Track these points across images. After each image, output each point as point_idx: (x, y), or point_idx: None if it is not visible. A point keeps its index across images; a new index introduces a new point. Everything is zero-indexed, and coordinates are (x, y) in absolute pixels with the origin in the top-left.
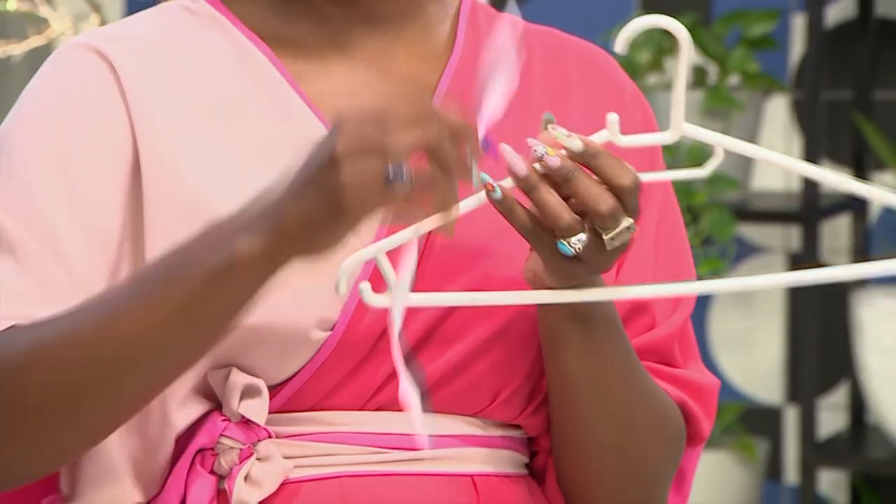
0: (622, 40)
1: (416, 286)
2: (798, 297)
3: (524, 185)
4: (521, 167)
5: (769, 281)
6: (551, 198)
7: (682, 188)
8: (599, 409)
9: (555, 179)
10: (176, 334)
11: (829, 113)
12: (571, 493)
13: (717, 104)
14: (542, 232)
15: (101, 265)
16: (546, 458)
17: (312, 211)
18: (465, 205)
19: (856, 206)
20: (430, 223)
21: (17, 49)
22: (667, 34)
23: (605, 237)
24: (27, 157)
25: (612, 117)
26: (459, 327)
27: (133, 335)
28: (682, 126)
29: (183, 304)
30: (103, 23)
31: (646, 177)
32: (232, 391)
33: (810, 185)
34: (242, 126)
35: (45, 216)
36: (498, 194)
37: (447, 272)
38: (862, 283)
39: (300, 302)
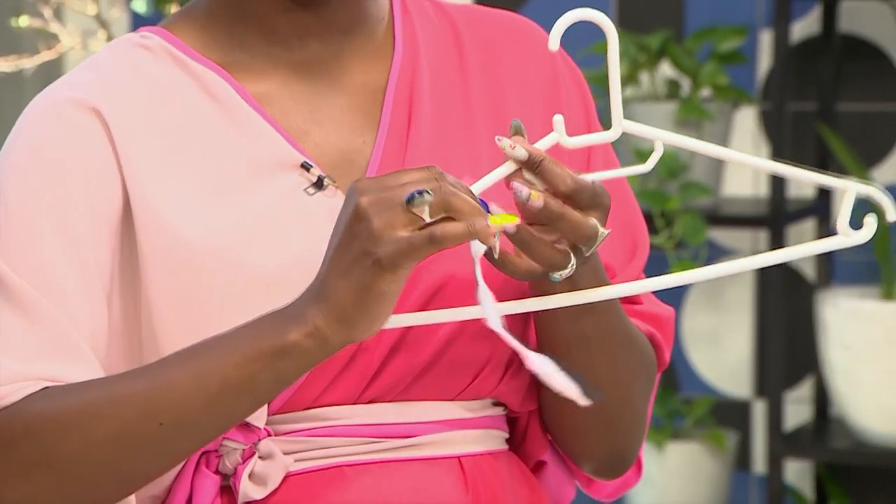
0: (554, 36)
1: None
2: (765, 297)
3: (516, 240)
4: (511, 227)
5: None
6: (543, 248)
7: (657, 195)
8: (594, 361)
9: (540, 220)
10: (217, 403)
11: (794, 123)
12: (565, 436)
13: (689, 115)
14: (535, 271)
15: (101, 315)
16: (526, 419)
17: (359, 279)
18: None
19: (820, 210)
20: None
21: (28, 63)
22: (643, 48)
23: (586, 253)
24: (26, 210)
25: (558, 118)
26: (406, 286)
27: (176, 400)
28: (622, 123)
29: (229, 379)
30: (110, 39)
31: (591, 176)
32: None
33: (777, 192)
34: (215, 155)
35: (49, 269)
36: (495, 255)
37: (413, 272)
38: (826, 285)
39: None
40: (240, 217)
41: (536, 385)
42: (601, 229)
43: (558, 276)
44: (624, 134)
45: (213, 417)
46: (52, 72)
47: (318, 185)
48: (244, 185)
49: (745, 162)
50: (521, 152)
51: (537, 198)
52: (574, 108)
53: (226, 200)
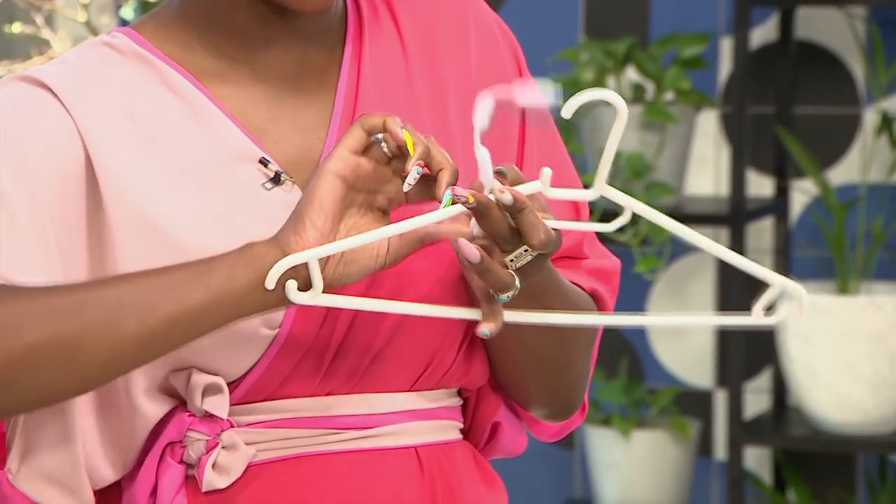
0: (570, 108)
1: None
2: (726, 292)
3: (478, 269)
4: (475, 255)
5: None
6: (498, 270)
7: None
8: (537, 340)
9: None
10: (168, 307)
11: (753, 126)
12: (512, 389)
13: (653, 118)
14: (491, 266)
15: (51, 254)
16: (476, 397)
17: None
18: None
19: (778, 210)
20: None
21: (21, 68)
22: (609, 55)
23: (505, 259)
24: None
25: (546, 171)
26: (390, 292)
27: (145, 320)
28: (604, 187)
29: (183, 285)
30: None
31: (559, 224)
32: (194, 390)
33: (737, 192)
34: (176, 146)
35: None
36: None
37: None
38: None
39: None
40: (199, 207)
41: (486, 355)
42: (522, 246)
43: (506, 297)
44: (597, 131)
45: (174, 331)
46: None
47: (276, 180)
48: (203, 176)
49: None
50: (508, 197)
51: (472, 199)
52: (509, 69)
53: (186, 189)
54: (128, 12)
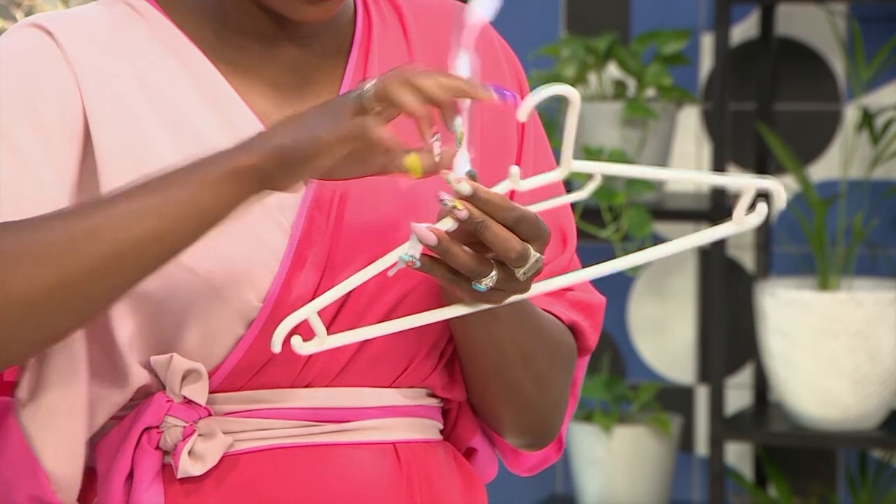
0: (524, 110)
1: (327, 263)
2: (708, 288)
3: (438, 250)
4: (431, 238)
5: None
6: (461, 254)
7: (604, 191)
8: (507, 361)
9: (466, 229)
10: (163, 233)
11: (734, 122)
12: (487, 415)
13: (635, 114)
14: (458, 277)
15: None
16: (456, 410)
17: (307, 125)
18: (390, 273)
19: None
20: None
21: None
22: (591, 51)
23: (518, 273)
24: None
25: (514, 170)
26: (367, 301)
27: (126, 232)
28: (570, 163)
29: (178, 204)
30: None
31: (537, 207)
32: (174, 375)
33: (718, 188)
34: (182, 120)
35: (20, 142)
36: (418, 265)
37: (353, 252)
38: (765, 276)
39: (225, 295)
40: None
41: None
42: (535, 254)
43: (481, 285)
44: (578, 128)
45: (154, 248)
46: None
47: None
48: (204, 147)
49: (675, 177)
50: (466, 187)
51: (461, 206)
52: (511, 89)
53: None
54: None
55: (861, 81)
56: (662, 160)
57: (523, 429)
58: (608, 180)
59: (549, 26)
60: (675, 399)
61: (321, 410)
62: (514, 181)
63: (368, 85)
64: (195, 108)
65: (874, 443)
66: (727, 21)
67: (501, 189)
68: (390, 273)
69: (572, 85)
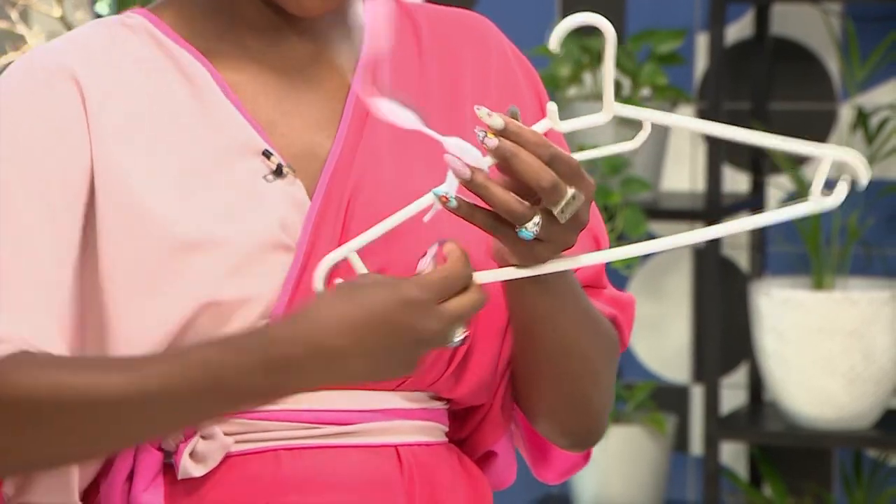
0: (555, 39)
1: (341, 242)
2: (702, 288)
3: (471, 186)
4: (465, 171)
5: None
6: (500, 193)
7: (599, 190)
8: (561, 337)
9: (497, 162)
10: (191, 422)
11: (729, 121)
12: (541, 415)
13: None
14: (501, 225)
15: (70, 278)
16: (484, 412)
17: (379, 372)
18: (410, 209)
19: (754, 204)
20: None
21: None
22: (586, 50)
23: (555, 212)
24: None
25: (552, 106)
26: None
27: (151, 415)
28: (613, 106)
29: (212, 412)
30: None
31: (580, 155)
32: None
33: (713, 187)
34: (183, 136)
35: (23, 229)
36: (453, 203)
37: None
38: (760, 275)
39: (242, 301)
40: (200, 198)
41: (496, 380)
42: (570, 190)
43: (525, 231)
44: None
45: (182, 430)
46: None
47: (278, 172)
48: (207, 168)
49: (727, 135)
50: (498, 121)
51: (492, 136)
52: (528, 100)
53: (188, 180)
54: (102, 7)
55: (856, 81)
56: (658, 159)
57: (576, 427)
58: (603, 178)
59: (544, 26)
60: (670, 398)
61: (323, 412)
62: (553, 120)
63: (457, 337)
64: (195, 121)
65: (869, 442)
66: (722, 20)
67: (539, 128)
68: (426, 218)
69: (567, 85)
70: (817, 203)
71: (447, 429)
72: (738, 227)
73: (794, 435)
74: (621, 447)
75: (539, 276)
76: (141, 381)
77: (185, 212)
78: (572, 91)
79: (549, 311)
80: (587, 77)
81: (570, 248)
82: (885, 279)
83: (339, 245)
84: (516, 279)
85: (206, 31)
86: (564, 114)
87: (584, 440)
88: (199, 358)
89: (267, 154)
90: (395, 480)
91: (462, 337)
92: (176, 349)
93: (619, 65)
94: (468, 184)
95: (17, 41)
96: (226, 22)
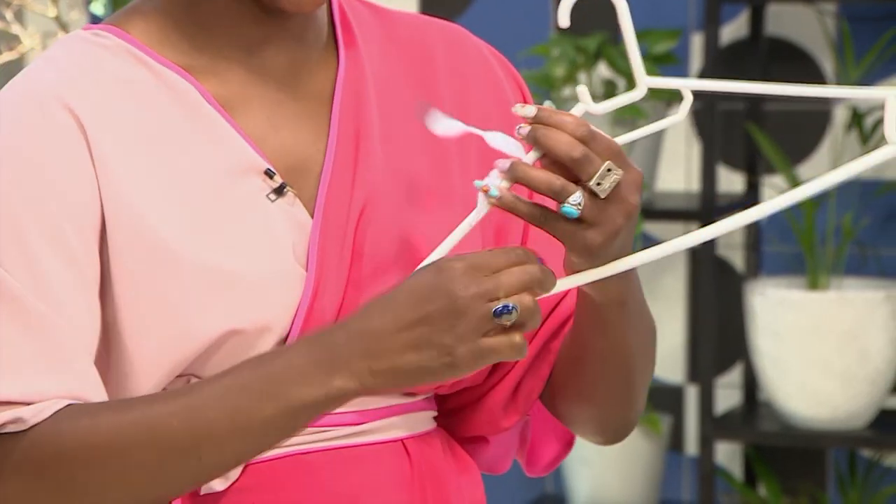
0: (564, 12)
1: (353, 262)
2: (697, 288)
3: (511, 173)
4: (504, 162)
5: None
6: (537, 172)
7: None
8: (629, 325)
9: (536, 153)
10: (255, 440)
11: (724, 122)
12: (583, 408)
13: (625, 113)
14: (547, 212)
15: (97, 318)
16: (477, 406)
17: (427, 363)
18: (471, 217)
19: (749, 205)
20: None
21: None
22: (580, 50)
23: (591, 186)
24: (12, 214)
25: (582, 88)
26: (366, 281)
27: (215, 437)
28: (645, 80)
29: (271, 421)
30: None
31: (623, 138)
32: None
33: (708, 187)
34: (182, 157)
35: (46, 276)
36: (495, 193)
37: (374, 279)
38: (754, 275)
39: (261, 330)
40: (210, 226)
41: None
42: (606, 163)
43: (568, 207)
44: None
45: (252, 453)
46: (13, 71)
47: (279, 191)
48: (211, 191)
49: (766, 91)
50: (531, 109)
51: (525, 125)
52: (512, 96)
53: (195, 206)
54: (98, 7)
55: (850, 80)
56: (652, 160)
57: (620, 423)
58: None
59: (539, 26)
60: (664, 398)
61: (336, 415)
62: (585, 101)
63: (507, 308)
64: (192, 141)
65: (864, 442)
66: (717, 20)
67: (577, 111)
68: (475, 218)
69: (562, 85)
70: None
71: (436, 413)
72: (818, 186)
73: (789, 435)
74: (616, 447)
75: (617, 290)
76: (190, 402)
77: (198, 243)
78: (567, 91)
79: (620, 295)
80: (582, 77)
81: (618, 232)
82: (879, 279)
83: (350, 265)
84: (597, 294)
85: (182, 44)
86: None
87: (621, 434)
88: (251, 371)
89: (269, 174)
90: (407, 474)
91: (513, 314)
92: (225, 371)
93: (615, 65)
94: (509, 173)
95: (12, 41)
96: (202, 33)
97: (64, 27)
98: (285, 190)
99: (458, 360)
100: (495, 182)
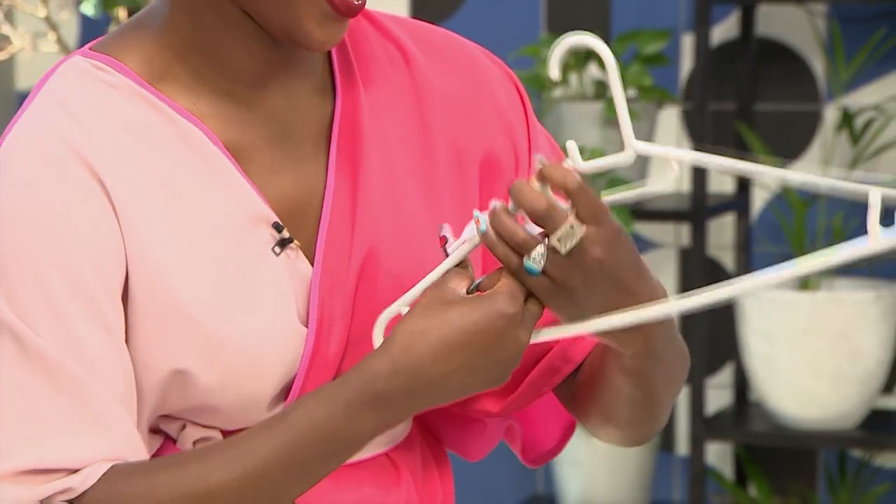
0: (554, 64)
1: (354, 313)
2: (688, 288)
3: (491, 216)
4: (496, 201)
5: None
6: (508, 221)
7: None
8: (652, 394)
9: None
10: (311, 481)
11: (714, 122)
12: (609, 425)
13: (615, 114)
14: (512, 257)
15: (129, 374)
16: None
17: (475, 386)
18: (464, 248)
19: (739, 205)
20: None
21: None
22: (572, 51)
23: (552, 241)
24: (42, 275)
25: (571, 145)
26: (369, 330)
27: (278, 492)
28: (634, 145)
29: (328, 464)
30: (60, 41)
31: (609, 198)
32: (186, 439)
33: (698, 187)
34: (197, 207)
35: (77, 334)
36: (483, 227)
37: (377, 299)
38: (745, 275)
39: (262, 387)
40: (221, 280)
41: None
42: (571, 220)
43: (530, 263)
44: (560, 127)
45: (304, 491)
46: (3, 71)
47: (282, 243)
48: (223, 241)
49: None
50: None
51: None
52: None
53: (208, 258)
54: (88, 8)
55: (841, 81)
56: (643, 160)
57: (648, 433)
58: (589, 180)
59: (530, 26)
60: None
61: None
62: (575, 160)
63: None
64: (205, 190)
65: (854, 442)
66: (707, 21)
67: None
68: (464, 248)
69: (552, 86)
70: (876, 242)
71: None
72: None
73: (780, 435)
74: (607, 447)
75: (648, 342)
76: (246, 457)
77: (214, 309)
78: (558, 92)
79: (640, 361)
80: (573, 78)
81: (576, 289)
82: (870, 280)
83: (352, 315)
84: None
85: (184, 79)
86: (551, 115)
87: (644, 441)
88: (303, 418)
89: (277, 227)
90: (394, 481)
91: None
92: (273, 417)
93: (603, 65)
94: (490, 215)
95: (2, 41)
96: (204, 65)
97: (54, 27)
98: (290, 243)
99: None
100: (487, 217)
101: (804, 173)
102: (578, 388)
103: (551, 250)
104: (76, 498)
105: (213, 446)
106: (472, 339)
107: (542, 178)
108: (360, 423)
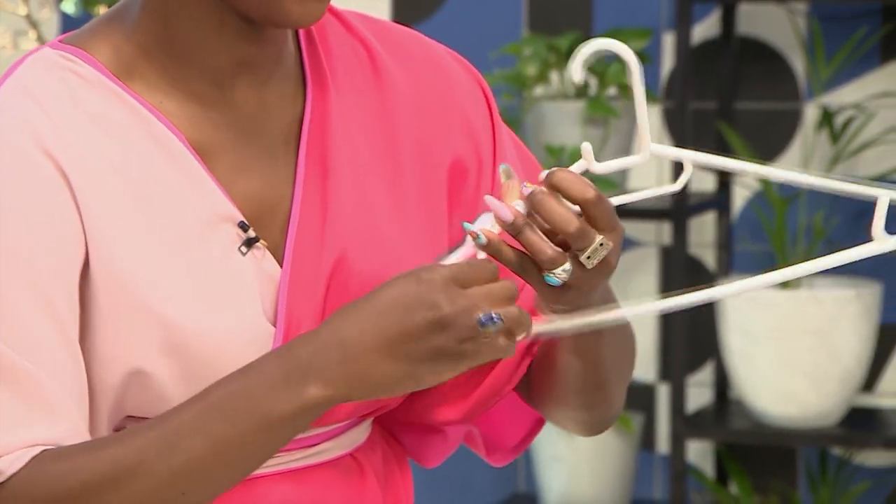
0: (577, 68)
1: (323, 316)
2: (669, 286)
3: (511, 229)
4: (507, 213)
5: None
6: (535, 237)
7: None
8: (620, 368)
9: (530, 210)
10: (237, 463)
11: (695, 121)
12: (563, 412)
13: (597, 112)
14: (529, 265)
15: (81, 363)
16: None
17: (410, 374)
18: (455, 254)
19: (720, 204)
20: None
21: None
22: (553, 49)
23: (581, 258)
24: None
25: (586, 147)
26: None
27: (195, 464)
28: (650, 146)
29: (250, 440)
30: (41, 39)
31: (616, 200)
32: None
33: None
34: (165, 208)
35: (26, 327)
36: (482, 240)
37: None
38: (726, 274)
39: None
40: (185, 278)
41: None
42: (599, 237)
43: (552, 276)
44: (541, 126)
45: (235, 478)
46: None
47: (249, 243)
48: (188, 239)
49: (779, 176)
50: (506, 213)
51: (530, 186)
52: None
53: (174, 256)
54: (68, 6)
55: (821, 80)
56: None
57: (596, 422)
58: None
59: (511, 25)
60: (636, 397)
61: (295, 440)
62: (589, 161)
63: (492, 318)
64: (171, 188)
65: (834, 440)
66: (688, 20)
67: (577, 168)
68: (458, 256)
69: (534, 84)
70: (881, 244)
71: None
72: (808, 269)
73: (760, 433)
74: (588, 445)
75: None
76: (173, 434)
77: (178, 306)
78: (539, 90)
79: (588, 340)
80: (554, 76)
81: (594, 289)
82: (850, 278)
83: (322, 317)
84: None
85: (151, 76)
86: (532, 113)
87: (600, 430)
88: (220, 387)
89: (243, 227)
90: (359, 482)
91: (498, 324)
92: (194, 396)
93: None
94: (509, 226)
95: None
96: (173, 64)
97: (34, 25)
98: (256, 243)
99: (442, 369)
100: (485, 227)
101: (819, 177)
102: (532, 376)
103: (576, 263)
104: (4, 482)
105: (134, 427)
106: (388, 303)
107: (552, 186)
108: (285, 394)
